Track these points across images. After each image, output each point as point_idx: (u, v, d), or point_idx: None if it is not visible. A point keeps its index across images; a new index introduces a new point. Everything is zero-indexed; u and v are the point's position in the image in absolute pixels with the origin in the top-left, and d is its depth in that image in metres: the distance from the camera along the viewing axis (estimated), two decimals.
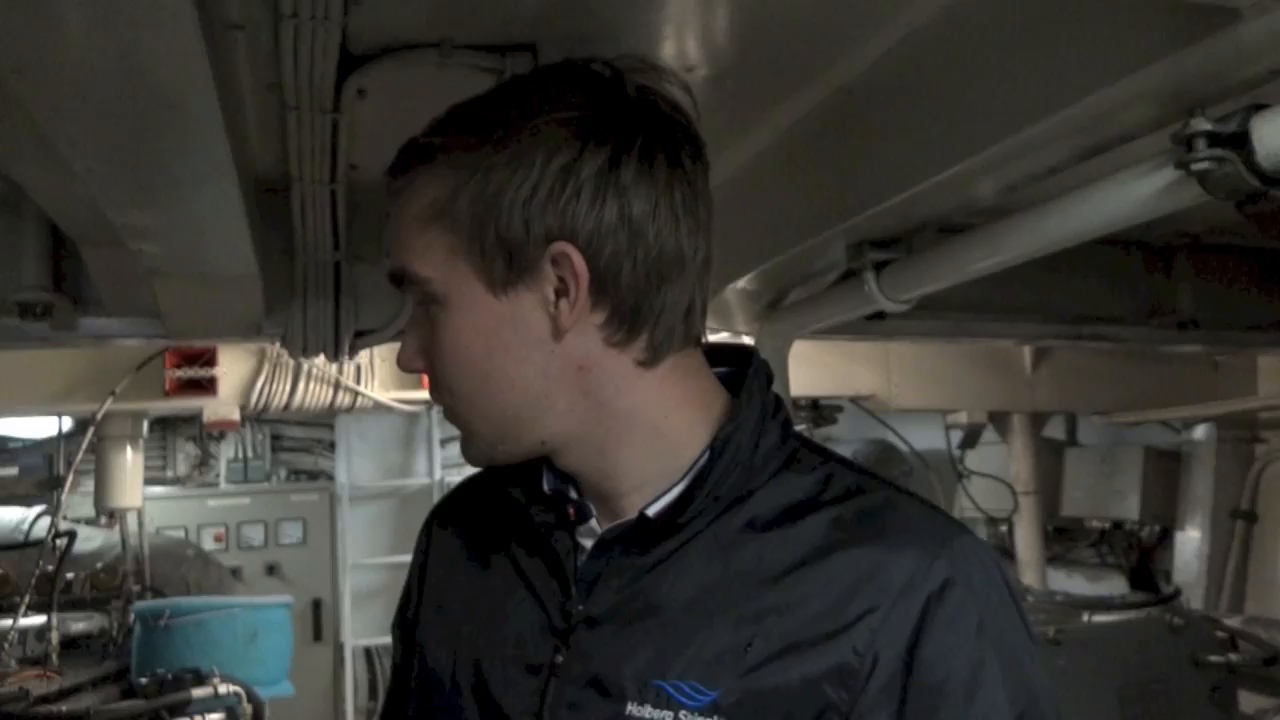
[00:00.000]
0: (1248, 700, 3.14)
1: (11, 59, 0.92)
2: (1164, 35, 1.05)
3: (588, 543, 0.86)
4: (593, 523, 0.87)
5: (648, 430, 0.84)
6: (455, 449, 6.69)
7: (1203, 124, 1.02)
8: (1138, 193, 1.20)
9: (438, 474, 6.32)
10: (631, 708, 0.79)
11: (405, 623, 1.05)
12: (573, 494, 0.89)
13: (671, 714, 0.77)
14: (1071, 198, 1.34)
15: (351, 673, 5.94)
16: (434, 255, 0.81)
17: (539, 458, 0.88)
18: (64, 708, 2.97)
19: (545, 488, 0.90)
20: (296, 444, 6.54)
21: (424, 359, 0.87)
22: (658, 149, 0.80)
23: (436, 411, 6.27)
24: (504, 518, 0.92)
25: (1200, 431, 4.67)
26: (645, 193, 0.79)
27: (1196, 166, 1.02)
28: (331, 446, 6.39)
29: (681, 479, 0.83)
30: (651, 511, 0.83)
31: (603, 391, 0.82)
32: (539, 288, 0.80)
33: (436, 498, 6.20)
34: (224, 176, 1.30)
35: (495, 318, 0.81)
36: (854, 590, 0.77)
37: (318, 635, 6.09)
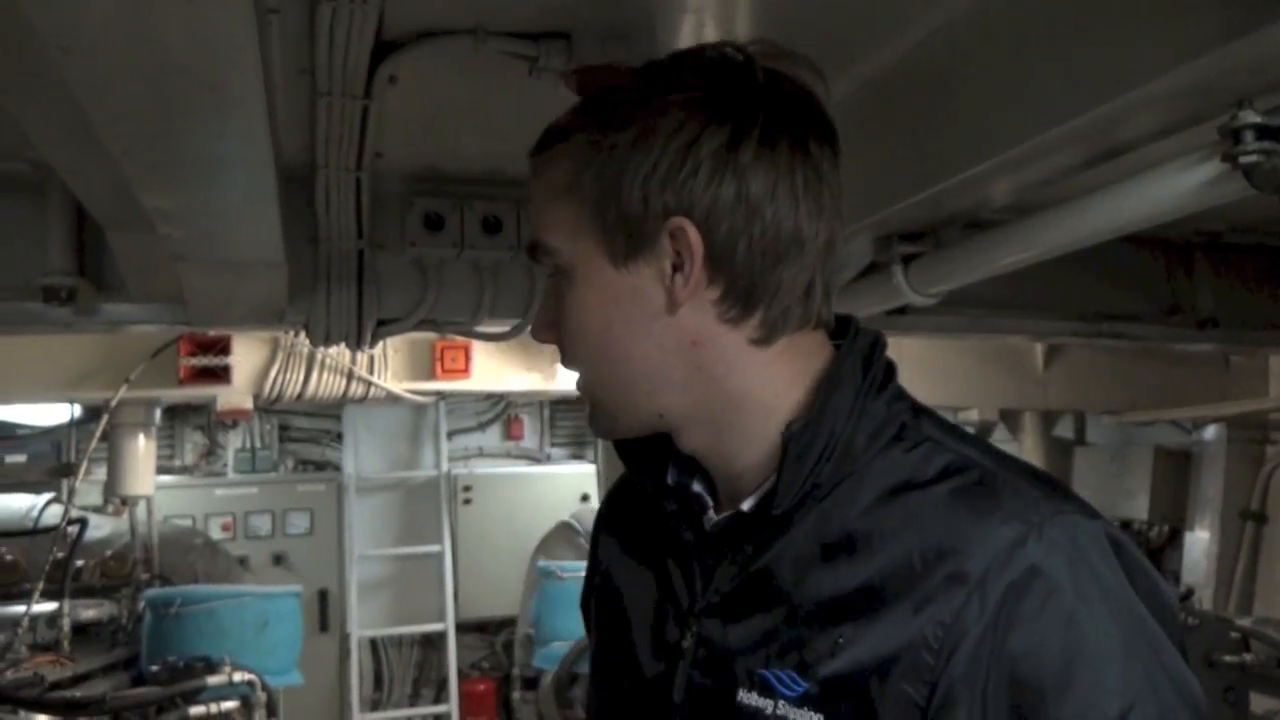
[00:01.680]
0: (1258, 701, 3.14)
1: (60, 37, 0.92)
2: (1212, 27, 1.05)
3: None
4: (710, 513, 0.89)
5: (759, 410, 0.84)
6: (461, 441, 6.71)
7: (1252, 116, 1.01)
8: (1179, 187, 1.19)
9: (444, 466, 6.32)
10: (741, 694, 0.81)
11: (586, 603, 1.10)
12: (695, 486, 0.91)
13: (772, 703, 0.79)
14: (1109, 192, 1.33)
15: (357, 663, 5.94)
16: (563, 229, 0.85)
17: (669, 449, 0.91)
18: (78, 693, 2.97)
19: (669, 480, 0.92)
20: (304, 434, 6.55)
21: (554, 331, 0.89)
22: (781, 131, 0.81)
23: (444, 404, 6.28)
24: (648, 512, 0.95)
25: (1210, 432, 4.66)
26: (764, 172, 0.80)
27: (1245, 159, 1.02)
28: (339, 437, 6.39)
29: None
30: (746, 506, 0.85)
31: (715, 368, 0.83)
32: (657, 262, 0.82)
33: (443, 490, 6.25)
34: (260, 162, 1.30)
35: (616, 290, 0.83)
36: (939, 575, 0.75)
37: (324, 626, 6.09)
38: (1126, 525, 5.02)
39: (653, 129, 0.80)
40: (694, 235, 0.80)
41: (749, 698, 0.81)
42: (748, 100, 0.81)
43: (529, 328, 2.42)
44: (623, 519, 1.04)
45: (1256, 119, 1.02)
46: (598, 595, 1.04)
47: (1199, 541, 4.65)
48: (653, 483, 0.93)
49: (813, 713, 0.77)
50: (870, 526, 0.79)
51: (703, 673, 0.85)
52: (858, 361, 0.85)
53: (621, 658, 0.95)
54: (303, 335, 2.28)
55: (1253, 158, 1.01)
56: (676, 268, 0.81)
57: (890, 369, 0.87)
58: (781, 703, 0.78)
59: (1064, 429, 5.20)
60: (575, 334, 0.87)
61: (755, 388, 0.84)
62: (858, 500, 0.81)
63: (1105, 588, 0.74)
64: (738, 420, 0.85)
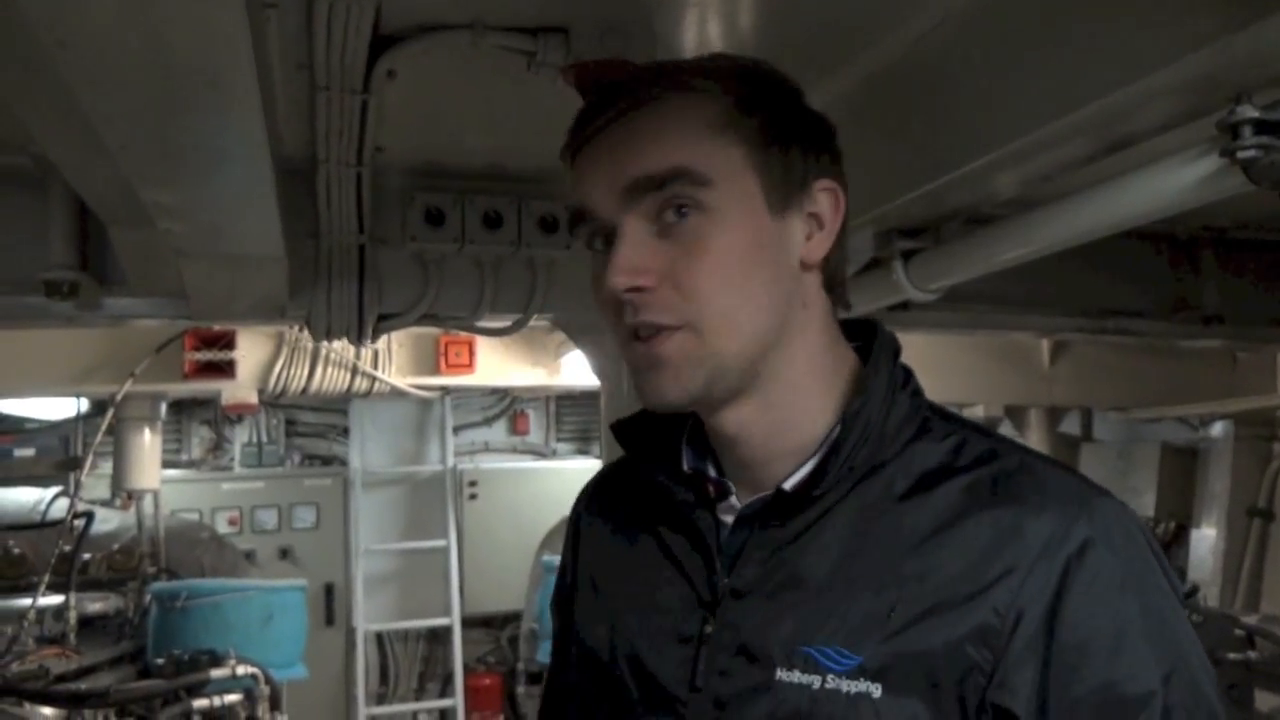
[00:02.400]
0: (1263, 699, 3.12)
1: (55, 32, 0.92)
2: (1211, 22, 1.04)
3: (728, 518, 0.89)
4: (732, 499, 0.89)
5: (821, 389, 0.87)
6: (467, 436, 6.72)
7: (1249, 111, 1.01)
8: (1178, 182, 1.19)
9: (450, 461, 6.33)
10: (781, 673, 0.81)
11: (562, 601, 1.08)
12: (711, 472, 0.91)
13: (820, 678, 0.79)
14: (1108, 187, 1.33)
15: (363, 657, 5.96)
16: (722, 164, 0.82)
17: (673, 440, 0.93)
18: (83, 686, 2.99)
19: (685, 466, 0.92)
20: (310, 429, 6.56)
21: (655, 276, 0.81)
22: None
23: (450, 399, 6.29)
24: (647, 499, 0.94)
25: (1218, 428, 4.64)
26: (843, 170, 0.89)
27: (1242, 154, 1.01)
28: (345, 432, 6.41)
29: (816, 452, 0.85)
30: (788, 486, 0.85)
31: (811, 332, 0.87)
32: (801, 217, 0.85)
33: (449, 484, 6.26)
34: (258, 156, 1.30)
35: (767, 236, 0.83)
36: (992, 552, 0.77)
37: (330, 620, 6.11)
38: None
39: (798, 104, 0.87)
40: (842, 199, 0.86)
41: (791, 676, 0.81)
42: (818, 114, 0.89)
43: (530, 323, 2.43)
44: (612, 509, 1.02)
45: (1255, 114, 1.01)
46: (582, 595, 1.02)
47: (1205, 539, 4.63)
48: (665, 472, 0.92)
49: (869, 683, 0.78)
50: (911, 510, 0.82)
51: (730, 656, 0.84)
52: (890, 354, 0.89)
53: (621, 656, 0.92)
54: (306, 330, 2.29)
55: (1251, 153, 1.01)
56: (811, 228, 0.85)
57: (908, 370, 0.91)
58: (830, 677, 0.79)
59: (1070, 425, 5.18)
60: (711, 276, 0.80)
61: (828, 363, 0.88)
62: (895, 485, 0.83)
63: (1145, 565, 0.79)
64: (803, 393, 0.87)
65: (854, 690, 0.78)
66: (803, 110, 0.87)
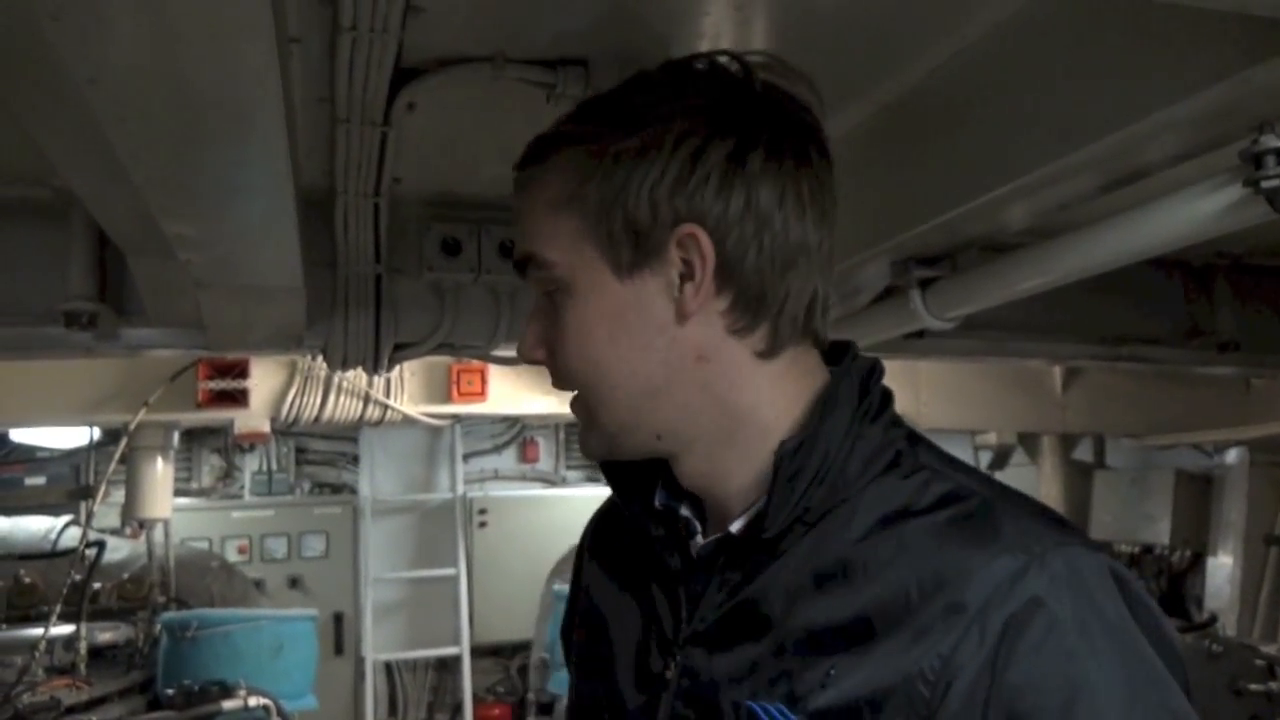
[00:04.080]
0: None
1: (86, 69, 0.93)
2: (1232, 52, 1.04)
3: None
4: (698, 538, 0.87)
5: (757, 428, 0.83)
6: (477, 463, 6.72)
7: (1273, 141, 1.01)
8: (1199, 212, 1.18)
9: (460, 489, 6.32)
10: None
11: (568, 631, 1.08)
12: (683, 510, 0.89)
13: None
14: (1129, 216, 1.33)
15: (372, 687, 5.93)
16: (562, 240, 0.82)
17: (656, 472, 0.90)
18: (94, 718, 2.97)
19: (656, 503, 0.90)
20: (320, 457, 6.57)
21: (544, 349, 0.87)
22: (785, 141, 0.82)
23: (460, 426, 6.29)
24: (635, 537, 0.93)
25: (1232, 455, 4.61)
26: (772, 182, 0.80)
27: (1266, 184, 1.01)
28: (355, 460, 6.41)
29: (765, 492, 0.82)
30: (734, 528, 0.83)
31: (718, 383, 0.82)
32: (664, 271, 0.81)
33: (459, 513, 6.25)
34: (281, 189, 1.31)
35: (620, 302, 0.81)
36: (937, 606, 0.73)
37: (339, 649, 6.08)
38: (1148, 550, 4.97)
39: (659, 137, 0.79)
40: (706, 243, 0.79)
41: None
42: (750, 110, 0.81)
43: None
44: (609, 545, 1.02)
45: (1278, 143, 1.01)
46: (582, 623, 1.02)
47: (1222, 567, 4.59)
48: (639, 506, 0.91)
49: None
50: (865, 555, 0.78)
51: (685, 704, 0.83)
52: (855, 384, 0.84)
53: (605, 689, 0.92)
54: (320, 359, 2.29)
55: (1274, 182, 1.01)
56: (684, 277, 0.80)
57: (887, 396, 0.86)
58: None
59: (1083, 452, 5.16)
60: (573, 351, 0.84)
61: (757, 404, 0.83)
62: (852, 527, 0.79)
63: (1108, 622, 0.72)
64: (736, 439, 0.83)
65: None
66: (676, 141, 0.79)
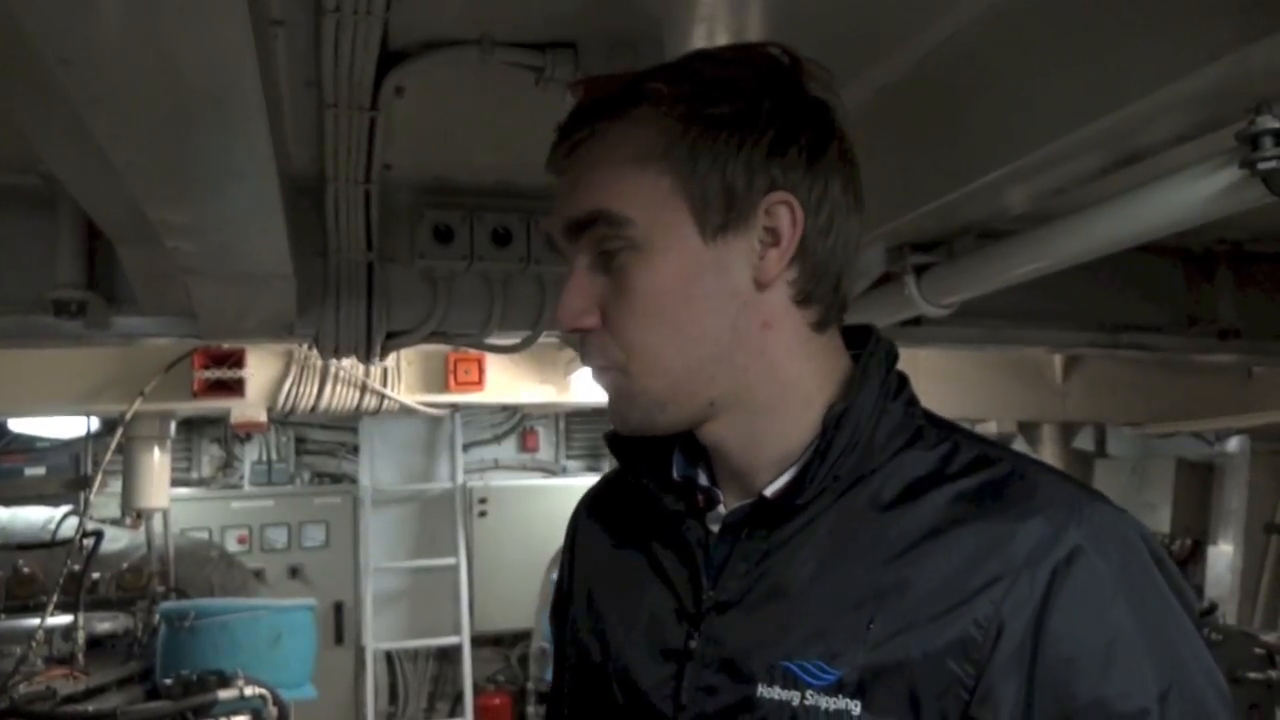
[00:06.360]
0: None
1: (58, 49, 0.91)
2: (1229, 31, 1.02)
3: (717, 528, 0.87)
4: (720, 507, 0.88)
5: (800, 399, 0.84)
6: (477, 453, 6.71)
7: (1270, 122, 0.99)
8: (1196, 194, 1.17)
9: (460, 478, 6.31)
10: (761, 689, 0.80)
11: (559, 612, 1.08)
12: (701, 480, 0.90)
13: (799, 694, 0.78)
14: (1125, 200, 1.31)
15: (372, 676, 5.93)
16: (644, 197, 0.81)
17: (666, 449, 0.91)
18: (90, 707, 2.97)
19: (675, 474, 0.91)
20: (320, 447, 6.56)
21: (596, 315, 0.84)
22: (846, 140, 0.86)
23: (459, 416, 6.28)
24: (641, 510, 0.93)
25: (1233, 443, 4.60)
26: (841, 173, 0.84)
27: (1263, 165, 0.99)
28: (355, 450, 6.40)
29: (800, 459, 0.83)
30: (769, 492, 0.83)
31: (776, 350, 0.83)
32: (749, 236, 0.81)
33: (459, 502, 6.24)
34: (264, 173, 1.29)
35: (700, 263, 0.81)
36: (976, 562, 0.76)
37: (339, 638, 6.09)
38: None
39: (754, 108, 0.81)
40: (799, 212, 0.81)
41: (770, 692, 0.79)
42: (816, 105, 0.84)
43: (539, 340, 2.42)
44: (606, 524, 1.01)
45: (1275, 124, 0.99)
46: (577, 605, 1.01)
47: (1223, 555, 4.58)
48: (655, 479, 0.91)
49: (848, 699, 0.76)
50: (897, 519, 0.80)
51: (715, 672, 0.83)
52: (881, 362, 0.86)
53: (609, 672, 0.92)
54: (315, 348, 2.28)
55: (1272, 164, 0.99)
56: (766, 245, 0.81)
57: (903, 377, 0.88)
58: (810, 693, 0.77)
59: (1084, 441, 5.14)
60: (642, 313, 0.82)
61: (803, 374, 0.84)
62: (882, 494, 0.81)
63: (1144, 574, 0.76)
64: (779, 408, 0.84)
65: (833, 707, 0.77)
66: (768, 114, 0.81)
